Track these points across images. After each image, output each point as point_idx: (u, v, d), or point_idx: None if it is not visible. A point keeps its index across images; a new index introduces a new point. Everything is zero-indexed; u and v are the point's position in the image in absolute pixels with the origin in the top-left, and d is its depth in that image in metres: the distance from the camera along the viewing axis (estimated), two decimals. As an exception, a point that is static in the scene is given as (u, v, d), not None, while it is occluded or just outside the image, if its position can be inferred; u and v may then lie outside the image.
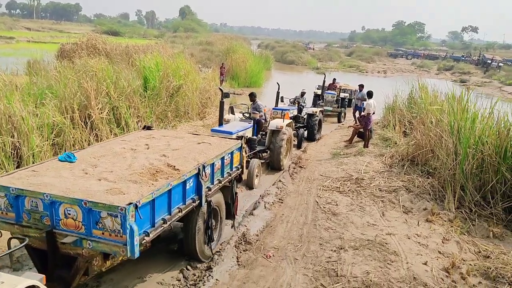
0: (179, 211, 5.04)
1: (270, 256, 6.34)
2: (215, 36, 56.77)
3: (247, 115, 10.85)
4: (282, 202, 8.56)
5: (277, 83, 13.83)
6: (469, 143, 8.18)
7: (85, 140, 10.24)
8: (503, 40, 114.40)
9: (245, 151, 9.59)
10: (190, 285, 5.67)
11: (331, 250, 6.45)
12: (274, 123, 10.90)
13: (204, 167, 5.38)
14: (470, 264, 6.08)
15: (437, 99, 12.77)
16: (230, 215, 6.92)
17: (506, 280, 5.62)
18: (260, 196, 9.00)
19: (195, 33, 70.50)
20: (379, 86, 20.43)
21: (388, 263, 6.00)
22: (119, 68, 13.50)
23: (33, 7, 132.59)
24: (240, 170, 6.96)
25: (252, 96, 11.08)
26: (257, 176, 9.70)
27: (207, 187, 5.64)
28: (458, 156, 8.32)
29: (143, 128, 7.52)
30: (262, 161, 10.80)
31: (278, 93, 13.59)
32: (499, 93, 31.44)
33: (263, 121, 10.91)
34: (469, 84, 33.76)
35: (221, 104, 9.65)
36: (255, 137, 10.37)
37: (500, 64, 50.67)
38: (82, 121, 10.48)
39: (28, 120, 8.84)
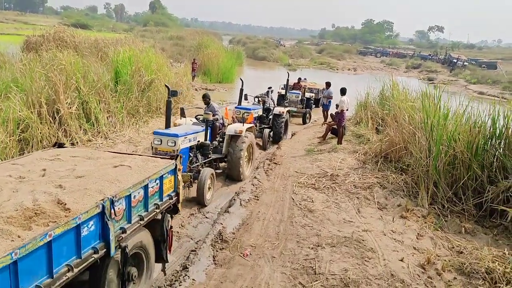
0: (69, 270, 3.46)
1: (247, 255, 6.25)
2: (186, 31, 56.24)
3: (200, 117, 9.52)
4: (258, 199, 8.47)
5: (241, 79, 13.12)
6: (442, 140, 8.31)
7: (53, 136, 9.89)
8: (467, 40, 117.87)
9: (190, 162, 8.41)
10: (166, 285, 5.52)
11: (309, 248, 6.42)
12: (232, 128, 9.67)
13: (112, 202, 3.90)
14: (445, 260, 6.16)
15: (408, 96, 12.95)
16: (161, 257, 5.19)
17: (480, 275, 5.71)
18: (236, 193, 8.89)
19: (166, 27, 69.66)
20: (350, 83, 20.63)
21: (365, 260, 6.01)
22: (89, 62, 13.11)
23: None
24: (175, 198, 5.33)
25: (206, 98, 9.94)
26: (209, 189, 8.36)
27: (121, 228, 4.13)
28: (431, 153, 8.44)
29: (54, 146, 5.86)
30: (219, 171, 9.57)
31: (241, 90, 12.85)
32: (465, 91, 32.30)
33: (218, 124, 9.82)
34: (436, 82, 34.62)
35: (168, 103, 8.24)
36: (208, 142, 8.97)
37: (465, 63, 52.16)
38: (50, 116, 10.14)
39: (-9, 114, 8.46)
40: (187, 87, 18.89)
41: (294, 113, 17.49)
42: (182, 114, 9.83)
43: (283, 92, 17.77)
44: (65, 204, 3.67)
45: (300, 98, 18.04)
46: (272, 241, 6.70)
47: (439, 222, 7.46)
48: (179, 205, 5.51)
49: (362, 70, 50.60)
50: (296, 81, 19.64)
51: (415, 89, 12.79)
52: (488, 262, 5.88)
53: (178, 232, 7.00)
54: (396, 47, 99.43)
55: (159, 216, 5.05)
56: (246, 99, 13.44)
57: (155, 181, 4.77)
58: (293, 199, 8.41)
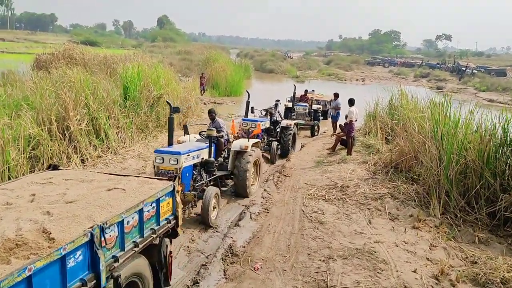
0: None
1: (258, 268, 6.20)
2: (194, 46, 56.96)
3: (204, 134, 9.13)
4: (268, 212, 8.43)
5: (247, 91, 13.15)
6: (452, 149, 8.22)
7: (64, 152, 9.98)
8: (476, 48, 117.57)
9: (195, 180, 8.07)
10: (177, 301, 5.49)
11: (320, 260, 6.35)
12: (237, 144, 9.45)
13: (103, 229, 3.66)
14: (459, 271, 6.06)
15: (417, 105, 12.88)
16: (160, 284, 4.92)
17: (495, 285, 5.60)
18: (246, 206, 8.86)
19: (174, 42, 70.49)
20: (358, 93, 20.55)
21: (378, 272, 5.93)
22: (98, 79, 13.26)
23: (7, 17, 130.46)
24: (174, 222, 5.06)
25: (211, 114, 9.65)
26: (214, 208, 7.98)
27: (113, 257, 3.88)
28: (442, 162, 8.36)
29: (48, 168, 5.61)
30: (225, 188, 9.39)
31: (248, 102, 12.83)
32: (474, 99, 32.07)
33: (223, 140, 9.50)
34: (445, 91, 34.46)
35: (170, 120, 7.85)
36: (213, 159, 8.62)
37: (474, 71, 51.89)
38: (60, 133, 10.23)
39: (3, 132, 8.56)
40: (195, 101, 19.00)
41: (302, 126, 17.29)
42: (186, 131, 9.54)
43: (289, 104, 17.63)
44: (50, 233, 3.40)
45: (307, 110, 17.72)
46: (283, 254, 6.65)
47: (452, 232, 7.36)
48: (179, 229, 5.22)
49: (370, 80, 50.54)
50: (303, 93, 19.45)
51: (424, 98, 12.72)
52: (503, 272, 5.78)
53: (188, 247, 6.98)
54: (404, 56, 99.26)
55: (157, 241, 4.82)
56: (252, 112, 13.35)
57: (151, 205, 4.52)
58: (303, 211, 8.35)
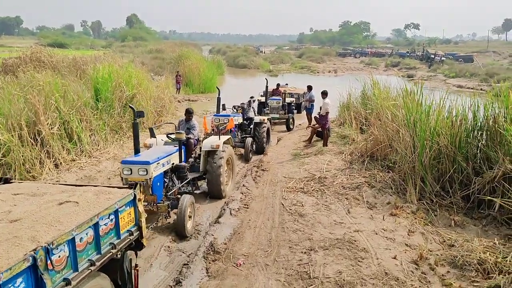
0: None
1: (240, 264, 6.19)
2: (165, 44, 56.27)
3: (172, 136, 8.48)
4: (248, 208, 8.42)
5: (217, 87, 13.08)
6: (425, 135, 8.38)
7: (36, 158, 9.74)
8: (443, 35, 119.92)
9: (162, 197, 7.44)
10: (160, 302, 5.44)
11: (302, 252, 6.39)
12: (208, 143, 8.98)
13: (48, 251, 3.23)
14: (437, 254, 6.19)
15: (389, 94, 13.06)
16: None
17: (472, 267, 5.74)
18: (225, 203, 8.83)
19: (144, 41, 69.50)
20: (331, 85, 20.68)
21: (359, 261, 6.01)
22: (68, 81, 12.98)
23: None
24: (137, 233, 4.66)
25: (188, 113, 9.24)
26: (190, 217, 7.46)
27: (64, 280, 3.46)
28: (416, 148, 8.51)
29: None
30: (198, 191, 8.93)
31: (219, 99, 12.70)
32: (444, 85, 32.73)
33: (193, 140, 9.06)
34: (416, 79, 35.06)
35: (135, 126, 7.18)
36: (184, 163, 8.10)
37: (443, 58, 52.94)
38: (31, 138, 9.97)
39: (-29, 141, 8.30)
40: (169, 99, 18.83)
41: (276, 120, 17.24)
42: (152, 134, 8.82)
43: (262, 99, 17.60)
44: None
45: (281, 104, 17.50)
46: (265, 248, 6.66)
47: (428, 217, 7.51)
48: (144, 240, 4.78)
49: (343, 72, 50.99)
50: (275, 87, 19.38)
51: (395, 86, 12.90)
52: (480, 253, 5.93)
53: (169, 247, 6.93)
54: (374, 46, 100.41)
55: (119, 256, 4.46)
56: (224, 109, 13.22)
57: (108, 217, 4.11)
58: (283, 204, 8.39)
